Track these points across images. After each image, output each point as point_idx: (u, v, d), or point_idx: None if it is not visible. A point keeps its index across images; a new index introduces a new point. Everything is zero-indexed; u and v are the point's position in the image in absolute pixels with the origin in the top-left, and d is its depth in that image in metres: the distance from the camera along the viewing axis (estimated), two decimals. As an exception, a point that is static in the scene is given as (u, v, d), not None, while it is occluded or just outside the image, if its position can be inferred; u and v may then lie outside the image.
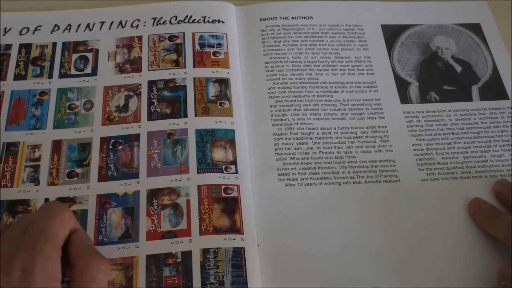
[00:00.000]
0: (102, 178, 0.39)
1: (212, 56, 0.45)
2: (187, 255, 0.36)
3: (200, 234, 0.36)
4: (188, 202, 0.38)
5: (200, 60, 0.45)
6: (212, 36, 0.46)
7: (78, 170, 0.39)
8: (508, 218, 0.36)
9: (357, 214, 0.39)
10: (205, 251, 0.36)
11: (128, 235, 0.37)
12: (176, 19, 0.47)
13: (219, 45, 0.46)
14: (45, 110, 0.42)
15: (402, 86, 0.46)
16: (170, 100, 0.42)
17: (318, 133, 0.42)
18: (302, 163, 0.41)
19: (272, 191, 0.40)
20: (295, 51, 0.47)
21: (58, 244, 0.30)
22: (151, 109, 0.42)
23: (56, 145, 0.40)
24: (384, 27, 0.49)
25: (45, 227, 0.30)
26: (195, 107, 0.42)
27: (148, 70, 0.44)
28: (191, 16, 0.47)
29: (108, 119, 0.42)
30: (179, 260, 0.36)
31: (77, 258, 0.31)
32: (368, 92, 0.45)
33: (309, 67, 0.46)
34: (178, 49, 0.45)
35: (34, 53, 0.45)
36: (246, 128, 0.42)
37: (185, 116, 0.42)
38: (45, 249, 0.29)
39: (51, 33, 0.46)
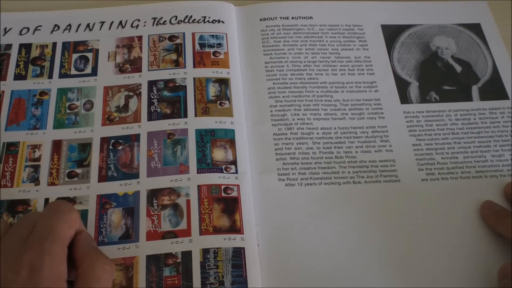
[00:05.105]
0: (102, 178, 0.39)
1: (212, 56, 0.45)
2: (187, 255, 0.36)
3: (200, 234, 0.36)
4: (188, 202, 0.38)
5: (200, 60, 0.45)
6: (212, 36, 0.46)
7: (78, 170, 0.39)
8: None
9: (357, 214, 0.39)
10: (205, 251, 0.36)
11: (128, 235, 0.37)
12: (176, 19, 0.47)
13: (219, 45, 0.46)
14: (45, 110, 0.42)
15: (402, 86, 0.46)
16: (170, 100, 0.42)
17: (318, 133, 0.42)
18: (302, 163, 0.41)
19: (272, 191, 0.40)
20: (295, 51, 0.47)
21: (65, 244, 0.30)
22: (151, 109, 0.42)
23: (56, 145, 0.40)
24: (384, 27, 0.49)
25: (53, 226, 0.30)
26: (195, 107, 0.42)
27: (148, 70, 0.44)
28: (191, 16, 0.47)
29: (108, 119, 0.42)
30: (179, 260, 0.36)
31: (82, 259, 0.31)
32: (368, 92, 0.45)
33: (309, 67, 0.46)
34: (178, 49, 0.45)
35: (34, 53, 0.45)
36: (246, 128, 0.42)
37: (185, 116, 0.42)
38: (53, 248, 0.29)
39: (51, 33, 0.46)
